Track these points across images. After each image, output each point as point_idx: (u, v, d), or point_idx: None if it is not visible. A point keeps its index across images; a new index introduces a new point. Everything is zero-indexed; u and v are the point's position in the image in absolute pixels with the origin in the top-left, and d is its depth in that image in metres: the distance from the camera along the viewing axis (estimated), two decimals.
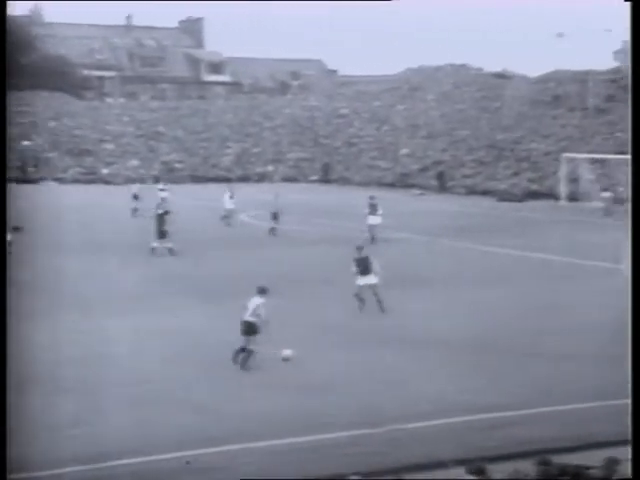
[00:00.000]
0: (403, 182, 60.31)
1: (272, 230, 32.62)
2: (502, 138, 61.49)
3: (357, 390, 13.49)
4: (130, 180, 62.26)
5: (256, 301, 14.83)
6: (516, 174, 55.65)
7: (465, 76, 75.49)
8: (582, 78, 63.44)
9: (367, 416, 12.13)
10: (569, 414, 12.31)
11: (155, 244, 27.46)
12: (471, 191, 55.05)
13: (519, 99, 66.38)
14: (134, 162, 67.07)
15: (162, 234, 27.40)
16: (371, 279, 18.82)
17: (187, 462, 10.51)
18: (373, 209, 31.24)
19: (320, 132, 73.18)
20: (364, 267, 18.87)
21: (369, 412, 12.34)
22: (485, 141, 62.19)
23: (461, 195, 54.10)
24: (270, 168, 68.30)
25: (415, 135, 68.13)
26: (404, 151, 66.03)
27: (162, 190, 40.56)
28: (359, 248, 19.45)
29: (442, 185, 57.47)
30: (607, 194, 43.62)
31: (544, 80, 68.08)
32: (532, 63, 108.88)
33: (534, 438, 11.06)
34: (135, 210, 38.11)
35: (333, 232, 33.22)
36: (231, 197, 36.56)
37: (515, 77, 70.99)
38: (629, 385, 8.45)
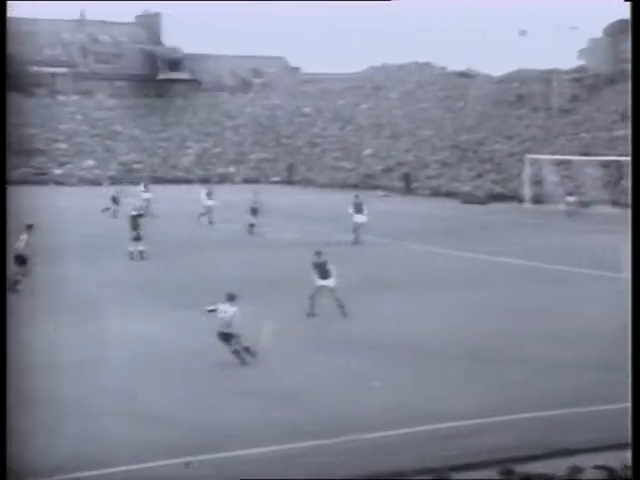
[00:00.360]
0: (367, 183, 60.60)
1: (251, 227, 33.12)
2: (466, 139, 61.88)
3: (321, 398, 13.50)
4: (85, 181, 61.67)
5: (229, 310, 14.90)
6: (480, 176, 55.76)
7: (429, 75, 76.01)
8: (546, 77, 63.94)
9: (330, 425, 12.12)
10: (536, 421, 12.33)
11: (131, 248, 27.48)
12: (435, 193, 55.39)
13: (482, 99, 66.92)
14: (89, 162, 66.40)
15: (137, 237, 27.40)
16: (330, 282, 19.05)
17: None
18: (358, 208, 31.82)
19: (282, 132, 73.25)
20: (323, 272, 19.12)
21: (332, 421, 12.34)
22: (449, 142, 62.59)
23: (425, 197, 54.43)
24: (232, 169, 68.17)
25: (379, 135, 68.49)
26: (368, 151, 66.25)
27: (144, 191, 40.46)
28: (318, 253, 19.48)
29: (407, 186, 57.41)
30: (572, 198, 44.17)
31: (507, 79, 68.63)
32: (496, 62, 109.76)
33: (499, 447, 11.11)
34: (115, 212, 37.95)
35: (300, 236, 32.96)
36: (208, 194, 37.40)
37: (479, 76, 71.69)
38: (629, 387, 8.65)
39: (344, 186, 60.12)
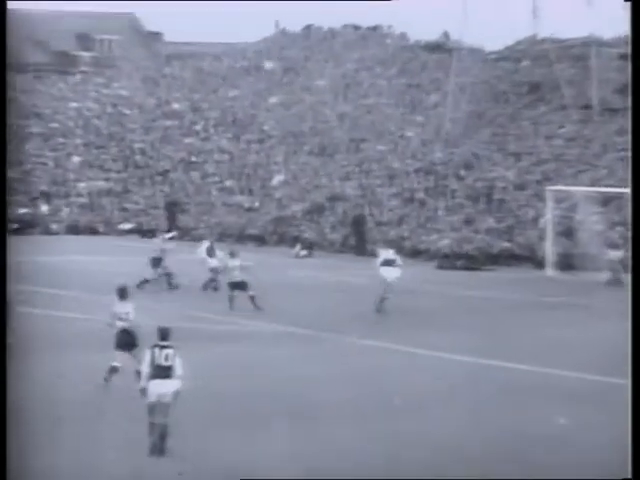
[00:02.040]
0: (279, 234, 60.51)
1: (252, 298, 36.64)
2: (443, 158, 62.09)
3: None
4: None
5: None
6: (468, 222, 56.00)
7: (378, 47, 77.50)
8: (577, 53, 64.66)
9: None
10: None
11: None
12: (395, 250, 54.81)
13: (470, 89, 67.28)
14: None
15: None
16: (169, 386, 19.49)
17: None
18: (388, 260, 37.07)
19: (135, 144, 73.26)
20: (163, 368, 19.54)
21: None
22: (414, 163, 62.70)
23: (375, 257, 54.32)
24: (44, 208, 67.15)
25: (298, 150, 69.27)
26: (280, 178, 66.55)
27: (168, 239, 44.17)
28: (163, 331, 19.83)
29: (361, 240, 57.28)
30: (617, 254, 44.61)
31: (512, 56, 69.78)
32: (490, 26, 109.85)
33: None
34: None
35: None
36: (210, 249, 42.63)
37: (462, 50, 71.59)
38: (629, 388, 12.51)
39: (241, 238, 59.67)
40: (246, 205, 65.09)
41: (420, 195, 59.67)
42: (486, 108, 66.13)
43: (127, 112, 76.48)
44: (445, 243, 53.74)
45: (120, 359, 24.17)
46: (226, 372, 25.75)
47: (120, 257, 51.77)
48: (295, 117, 72.59)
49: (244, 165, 69.27)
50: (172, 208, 65.61)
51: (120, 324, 24.32)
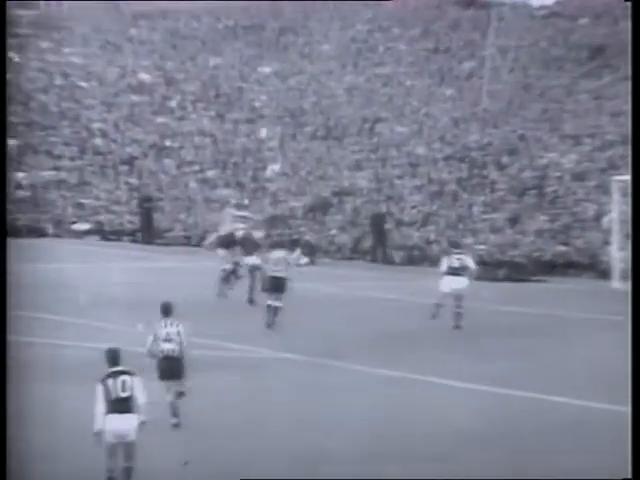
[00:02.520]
0: (274, 236, 59.07)
1: (274, 310, 38.17)
2: (479, 141, 62.80)
3: None
4: None
5: None
6: (513, 220, 56.55)
7: (395, 2, 78.44)
8: None
9: None
10: None
11: None
12: (419, 256, 55.69)
13: (513, 54, 68.02)
14: None
15: None
16: (131, 421, 19.52)
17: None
18: (455, 268, 38.80)
19: (94, 124, 73.33)
20: (121, 400, 19.53)
21: None
22: (442, 148, 63.41)
23: (394, 265, 55.80)
24: None
25: (298, 132, 70.17)
26: (275, 167, 67.72)
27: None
28: (112, 353, 19.89)
29: (381, 244, 57.64)
30: None
31: (568, 12, 70.78)
32: None
33: None
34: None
35: None
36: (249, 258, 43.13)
37: (503, 5, 72.92)
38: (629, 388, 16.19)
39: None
40: (233, 201, 64.32)
41: (451, 188, 60.01)
42: (535, 78, 66.57)
43: (83, 84, 76.23)
44: (482, 247, 53.82)
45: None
46: (237, 408, 26.08)
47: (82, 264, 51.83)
48: (293, 91, 73.01)
49: (230, 151, 69.61)
50: (146, 204, 65.33)
51: (167, 347, 24.72)
